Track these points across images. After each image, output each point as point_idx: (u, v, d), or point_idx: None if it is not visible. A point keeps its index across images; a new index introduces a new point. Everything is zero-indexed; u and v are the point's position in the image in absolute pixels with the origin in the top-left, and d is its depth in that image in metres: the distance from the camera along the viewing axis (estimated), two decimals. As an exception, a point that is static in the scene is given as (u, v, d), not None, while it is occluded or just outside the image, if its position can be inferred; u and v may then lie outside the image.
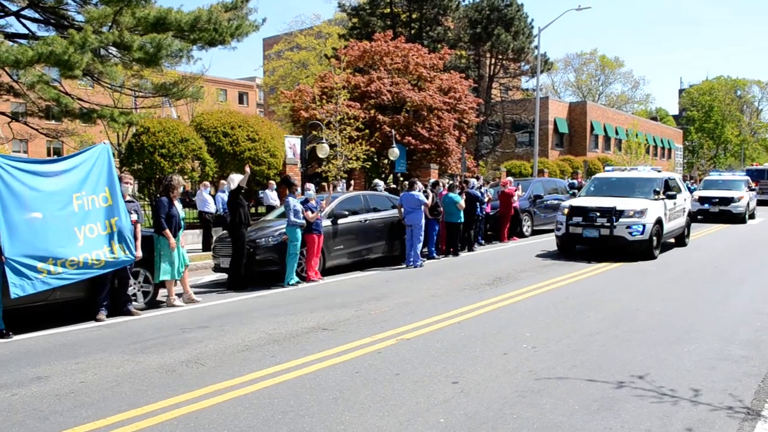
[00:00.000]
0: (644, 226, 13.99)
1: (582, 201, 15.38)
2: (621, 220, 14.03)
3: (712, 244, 18.10)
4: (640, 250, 14.15)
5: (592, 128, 49.87)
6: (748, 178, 29.13)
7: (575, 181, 26.27)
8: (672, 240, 16.64)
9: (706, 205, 25.48)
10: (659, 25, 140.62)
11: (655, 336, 7.48)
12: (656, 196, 14.93)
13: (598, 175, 18.22)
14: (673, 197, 15.56)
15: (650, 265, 13.55)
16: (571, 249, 15.32)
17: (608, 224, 14.02)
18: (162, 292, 10.13)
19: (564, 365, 6.35)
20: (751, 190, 27.70)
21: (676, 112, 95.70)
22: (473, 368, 6.27)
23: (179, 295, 10.06)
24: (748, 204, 25.39)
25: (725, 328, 7.86)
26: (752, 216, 27.37)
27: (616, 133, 52.88)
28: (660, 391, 5.60)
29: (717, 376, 6.04)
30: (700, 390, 5.61)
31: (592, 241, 14.54)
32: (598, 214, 14.31)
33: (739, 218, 24.83)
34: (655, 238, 14.31)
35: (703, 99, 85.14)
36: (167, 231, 9.50)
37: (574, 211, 14.79)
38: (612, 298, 9.93)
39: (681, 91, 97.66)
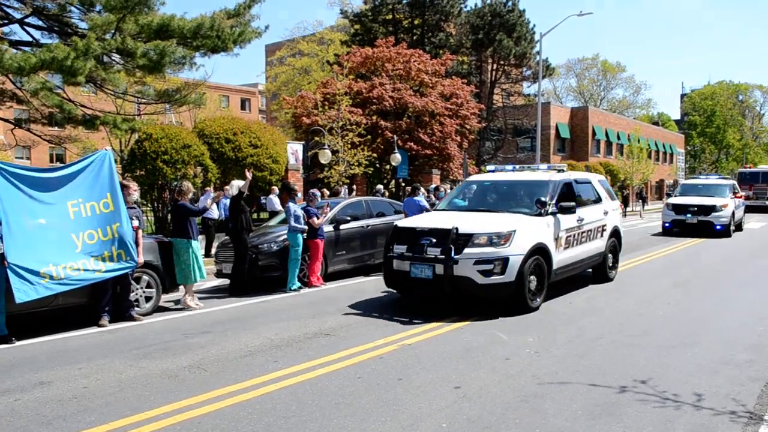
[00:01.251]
0: (506, 260, 8.69)
1: (418, 220, 10.27)
2: (467, 250, 8.70)
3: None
4: (501, 299, 9.02)
5: (594, 133, 49.88)
6: (733, 182, 25.09)
7: None
8: (590, 270, 11.84)
9: (683, 215, 21.30)
10: (661, 30, 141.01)
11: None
12: (540, 210, 9.72)
13: (470, 179, 12.68)
14: (571, 211, 10.00)
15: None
16: (406, 290, 9.95)
17: (444, 257, 8.69)
18: (165, 297, 10.16)
19: (567, 370, 6.35)
20: (738, 196, 23.89)
21: (678, 117, 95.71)
22: (475, 373, 6.27)
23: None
24: (733, 213, 21.29)
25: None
26: (739, 227, 23.41)
27: (618, 138, 52.87)
28: (663, 395, 5.60)
29: (720, 380, 6.03)
30: (702, 395, 5.61)
31: (424, 284, 9.06)
32: (432, 240, 8.98)
33: (721, 230, 20.82)
34: (532, 278, 9.05)
35: (704, 104, 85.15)
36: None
37: (400, 234, 9.63)
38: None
39: (683, 95, 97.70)
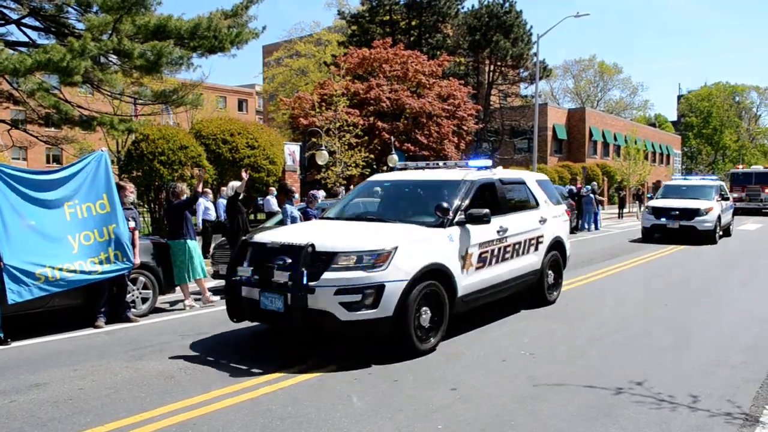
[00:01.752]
0: (380, 288, 6.61)
1: (275, 232, 8.27)
2: (326, 274, 6.64)
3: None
4: (377, 339, 7.05)
5: (591, 134, 49.96)
6: (720, 184, 22.36)
7: (573, 187, 25.73)
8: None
9: (663, 219, 19.49)
10: (658, 31, 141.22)
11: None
12: (442, 219, 7.70)
13: (371, 178, 10.42)
14: (484, 219, 7.84)
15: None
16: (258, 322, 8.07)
17: (292, 285, 6.66)
18: (161, 298, 10.15)
19: (563, 371, 6.36)
20: (725, 198, 21.54)
21: (675, 118, 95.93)
22: (472, 375, 6.27)
23: (197, 299, 10.32)
24: (719, 218, 19.50)
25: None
26: (727, 232, 21.67)
27: (615, 139, 52.97)
28: (658, 397, 5.60)
29: (715, 381, 6.04)
30: (698, 396, 5.62)
31: (276, 318, 7.06)
32: (285, 260, 6.84)
33: (706, 236, 18.90)
34: (422, 311, 6.98)
35: (701, 105, 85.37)
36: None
37: (247, 251, 7.65)
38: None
39: (680, 97, 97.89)
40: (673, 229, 19.13)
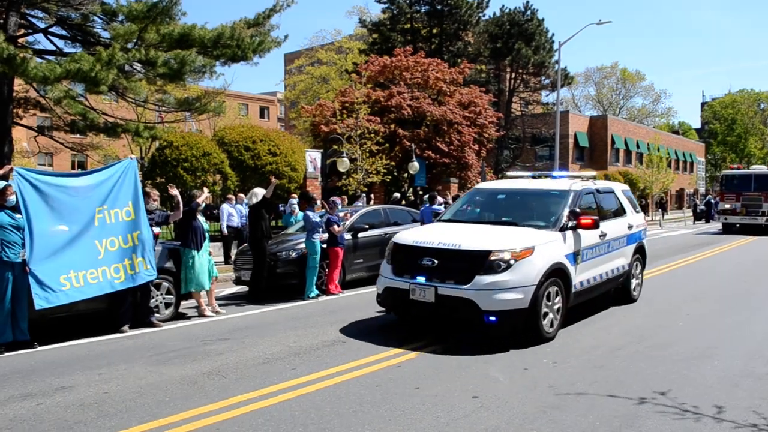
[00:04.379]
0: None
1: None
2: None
3: None
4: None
5: (613, 142, 49.56)
6: (606, 187, 10.68)
7: None
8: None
9: (406, 279, 8.09)
10: (681, 38, 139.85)
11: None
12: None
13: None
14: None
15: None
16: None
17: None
18: (185, 303, 10.25)
19: (585, 381, 6.32)
20: (617, 215, 10.36)
21: (699, 126, 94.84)
22: (493, 383, 6.26)
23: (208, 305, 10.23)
24: (546, 276, 7.82)
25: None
26: (625, 294, 10.60)
27: (638, 147, 52.49)
28: (682, 407, 5.55)
29: (740, 392, 5.97)
30: (723, 407, 5.55)
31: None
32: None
33: (502, 328, 7.72)
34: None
35: (725, 112, 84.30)
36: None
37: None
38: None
39: (703, 104, 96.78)
40: (422, 304, 7.90)
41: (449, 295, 7.66)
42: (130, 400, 5.85)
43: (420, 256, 8.05)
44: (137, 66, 17.63)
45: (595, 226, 8.69)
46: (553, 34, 41.87)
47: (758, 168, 29.08)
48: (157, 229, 9.40)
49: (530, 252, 7.79)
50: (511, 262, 7.59)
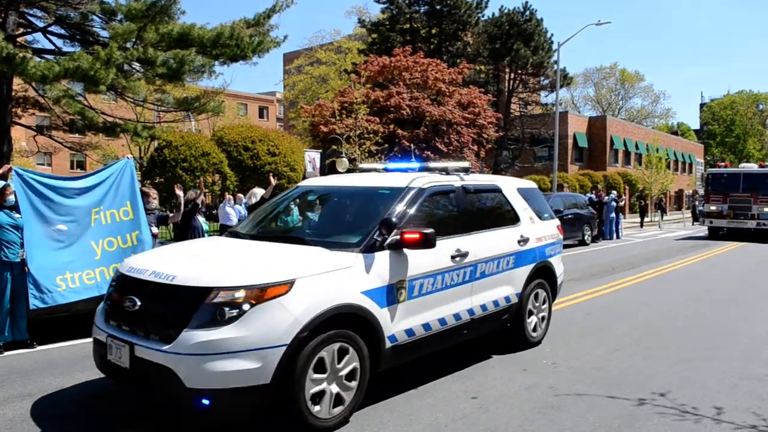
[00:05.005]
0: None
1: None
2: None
3: None
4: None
5: (612, 143, 49.62)
6: (451, 186, 6.71)
7: (593, 195, 25.46)
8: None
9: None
10: (680, 39, 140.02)
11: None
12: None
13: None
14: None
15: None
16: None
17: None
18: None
19: (584, 381, 6.32)
20: (468, 230, 6.62)
21: (697, 127, 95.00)
22: (492, 384, 6.25)
23: None
24: (294, 329, 4.69)
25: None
26: (518, 332, 7.58)
27: (637, 147, 52.55)
28: (682, 408, 5.55)
29: (740, 394, 5.97)
30: (722, 408, 5.55)
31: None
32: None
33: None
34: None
35: (724, 113, 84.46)
36: None
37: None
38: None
39: (702, 105, 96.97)
40: (121, 370, 5.01)
41: (146, 360, 4.69)
42: (131, 400, 5.84)
43: (127, 292, 5.11)
44: (136, 65, 17.62)
45: (426, 243, 5.49)
46: (552, 35, 41.95)
47: (747, 166, 26.72)
48: (155, 229, 9.39)
49: (285, 289, 4.75)
50: (245, 306, 4.60)
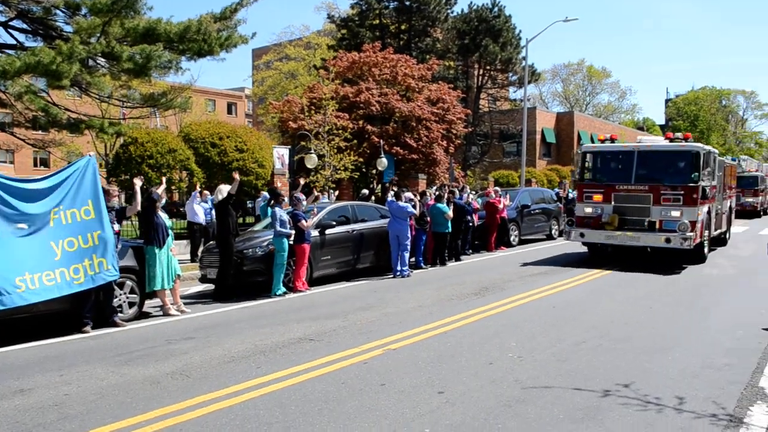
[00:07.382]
0: None
1: None
2: None
3: None
4: None
5: (580, 138, 50.12)
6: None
7: (560, 190, 25.59)
8: None
9: None
10: (646, 36, 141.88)
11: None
12: None
13: None
14: None
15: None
16: None
17: None
18: (149, 302, 10.10)
19: (549, 374, 6.38)
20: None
21: (663, 122, 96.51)
22: (459, 378, 6.28)
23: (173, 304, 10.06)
24: None
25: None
26: None
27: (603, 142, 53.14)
28: (645, 399, 5.63)
29: (700, 383, 6.08)
30: (684, 398, 5.66)
31: None
32: None
33: None
34: None
35: (688, 109, 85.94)
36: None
37: None
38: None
39: (667, 101, 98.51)
40: None
41: None
42: (91, 402, 5.74)
43: None
44: (101, 60, 17.30)
45: None
46: (520, 31, 42.20)
47: (648, 140, 17.37)
48: (117, 226, 9.23)
49: None
50: None
